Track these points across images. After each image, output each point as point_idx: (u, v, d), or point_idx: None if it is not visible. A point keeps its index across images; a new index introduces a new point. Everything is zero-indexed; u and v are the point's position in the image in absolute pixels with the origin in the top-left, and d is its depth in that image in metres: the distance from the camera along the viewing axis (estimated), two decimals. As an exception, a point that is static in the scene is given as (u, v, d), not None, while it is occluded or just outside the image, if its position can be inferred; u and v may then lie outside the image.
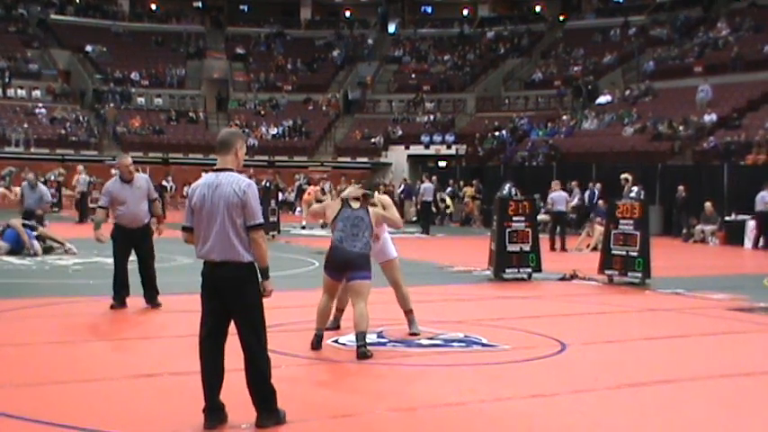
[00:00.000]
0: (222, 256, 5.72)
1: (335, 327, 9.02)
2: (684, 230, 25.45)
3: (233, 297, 5.75)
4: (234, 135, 5.99)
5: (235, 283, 5.73)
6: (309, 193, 28.40)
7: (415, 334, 9.04)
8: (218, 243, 5.72)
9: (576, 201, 26.77)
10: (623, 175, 20.74)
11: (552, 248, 20.27)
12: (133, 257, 10.82)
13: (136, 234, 10.57)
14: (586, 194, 27.96)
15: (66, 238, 18.22)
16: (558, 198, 21.38)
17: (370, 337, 8.29)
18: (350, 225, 8.25)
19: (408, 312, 9.14)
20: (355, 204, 8.35)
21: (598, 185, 27.39)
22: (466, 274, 15.25)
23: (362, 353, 7.97)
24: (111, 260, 10.96)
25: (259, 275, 5.79)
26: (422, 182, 27.36)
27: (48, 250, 17.30)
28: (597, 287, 14.09)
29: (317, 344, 8.29)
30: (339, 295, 8.84)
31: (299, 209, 29.95)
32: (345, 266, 8.19)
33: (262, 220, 5.77)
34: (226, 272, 5.72)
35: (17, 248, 16.95)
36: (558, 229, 21.15)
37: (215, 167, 5.87)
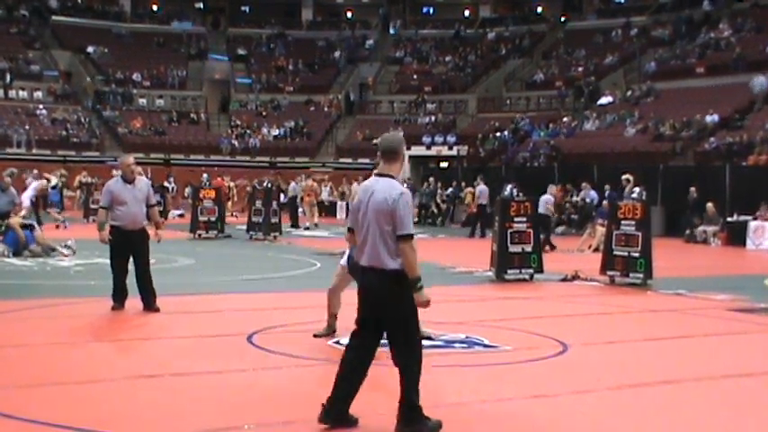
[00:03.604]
0: (369, 262, 5.71)
1: (331, 332, 8.90)
2: (688, 231, 25.43)
3: (378, 305, 5.72)
4: (400, 142, 5.92)
5: (378, 292, 5.69)
6: (309, 194, 28.36)
7: (428, 338, 8.95)
8: (368, 248, 5.71)
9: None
10: (625, 176, 20.71)
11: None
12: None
13: (134, 237, 10.40)
14: (581, 195, 28.07)
15: (65, 239, 18.24)
16: (540, 201, 21.47)
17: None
18: None
19: None
20: None
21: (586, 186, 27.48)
22: (467, 275, 15.24)
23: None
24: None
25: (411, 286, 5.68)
26: (478, 184, 26.69)
27: (46, 251, 17.23)
28: (599, 288, 14.08)
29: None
30: (333, 301, 8.78)
31: (300, 210, 29.94)
32: None
33: (411, 231, 5.65)
34: (371, 278, 5.71)
35: (19, 250, 16.93)
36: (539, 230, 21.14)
37: (376, 172, 5.86)
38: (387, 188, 5.70)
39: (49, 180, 27.58)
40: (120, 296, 10.53)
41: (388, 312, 5.69)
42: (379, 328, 5.78)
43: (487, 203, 25.82)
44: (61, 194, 30.93)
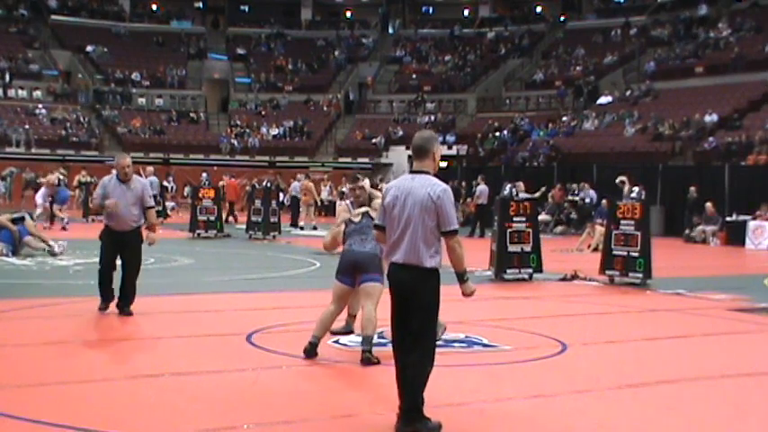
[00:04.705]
0: (405, 259, 5.71)
1: (348, 331, 8.90)
2: (687, 231, 25.45)
3: (411, 300, 5.72)
4: (429, 141, 5.91)
5: (413, 287, 5.70)
6: (306, 194, 28.35)
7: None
8: (404, 245, 5.71)
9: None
10: (619, 178, 20.56)
11: None
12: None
13: (124, 237, 10.17)
14: (580, 195, 28.10)
15: (59, 238, 18.25)
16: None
17: (371, 338, 8.25)
18: (356, 233, 8.17)
19: None
20: (357, 219, 8.31)
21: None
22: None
23: (367, 358, 7.80)
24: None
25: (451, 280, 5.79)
26: (478, 183, 26.60)
27: (42, 246, 17.16)
28: (598, 288, 14.08)
29: (310, 351, 7.96)
30: (351, 302, 8.75)
31: (301, 209, 29.95)
32: (355, 268, 8.00)
33: (456, 226, 5.74)
34: (406, 275, 5.72)
35: (16, 246, 16.90)
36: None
37: (412, 170, 5.86)
38: (427, 184, 5.72)
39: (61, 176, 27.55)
40: (106, 294, 10.27)
41: (418, 311, 5.70)
42: (408, 325, 5.75)
43: (488, 203, 25.74)
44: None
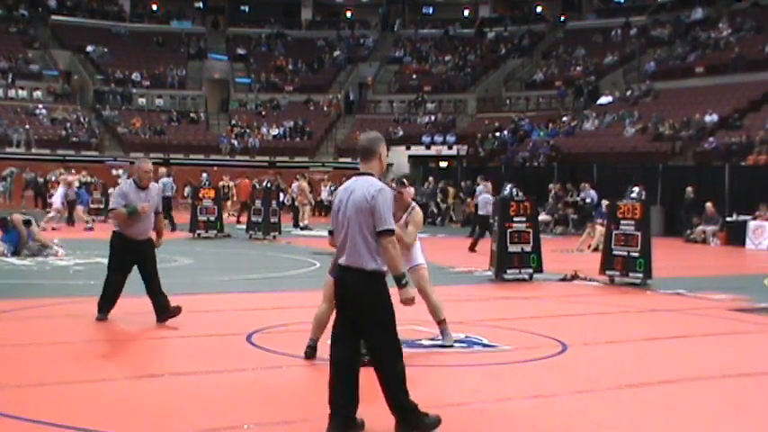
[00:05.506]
0: (348, 261, 5.68)
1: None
2: (687, 231, 25.45)
3: (355, 306, 5.68)
4: (375, 142, 5.85)
5: (356, 289, 5.65)
6: (300, 195, 28.39)
7: (445, 346, 8.65)
8: (348, 248, 5.68)
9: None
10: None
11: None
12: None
13: (140, 247, 9.79)
14: (580, 195, 28.12)
15: (54, 239, 18.27)
16: (480, 201, 21.64)
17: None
18: None
19: (440, 323, 8.71)
20: None
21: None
22: (467, 275, 15.23)
23: (366, 362, 7.81)
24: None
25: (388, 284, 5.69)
26: (477, 184, 26.55)
27: (40, 250, 17.15)
28: (598, 288, 14.08)
29: (310, 354, 7.89)
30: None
31: (300, 209, 29.97)
32: None
33: (390, 227, 5.62)
34: (349, 277, 5.68)
35: (19, 248, 16.91)
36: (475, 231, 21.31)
37: (358, 171, 5.84)
38: (365, 186, 5.67)
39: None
40: (107, 305, 9.91)
41: (366, 315, 5.64)
42: (357, 327, 5.72)
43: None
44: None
